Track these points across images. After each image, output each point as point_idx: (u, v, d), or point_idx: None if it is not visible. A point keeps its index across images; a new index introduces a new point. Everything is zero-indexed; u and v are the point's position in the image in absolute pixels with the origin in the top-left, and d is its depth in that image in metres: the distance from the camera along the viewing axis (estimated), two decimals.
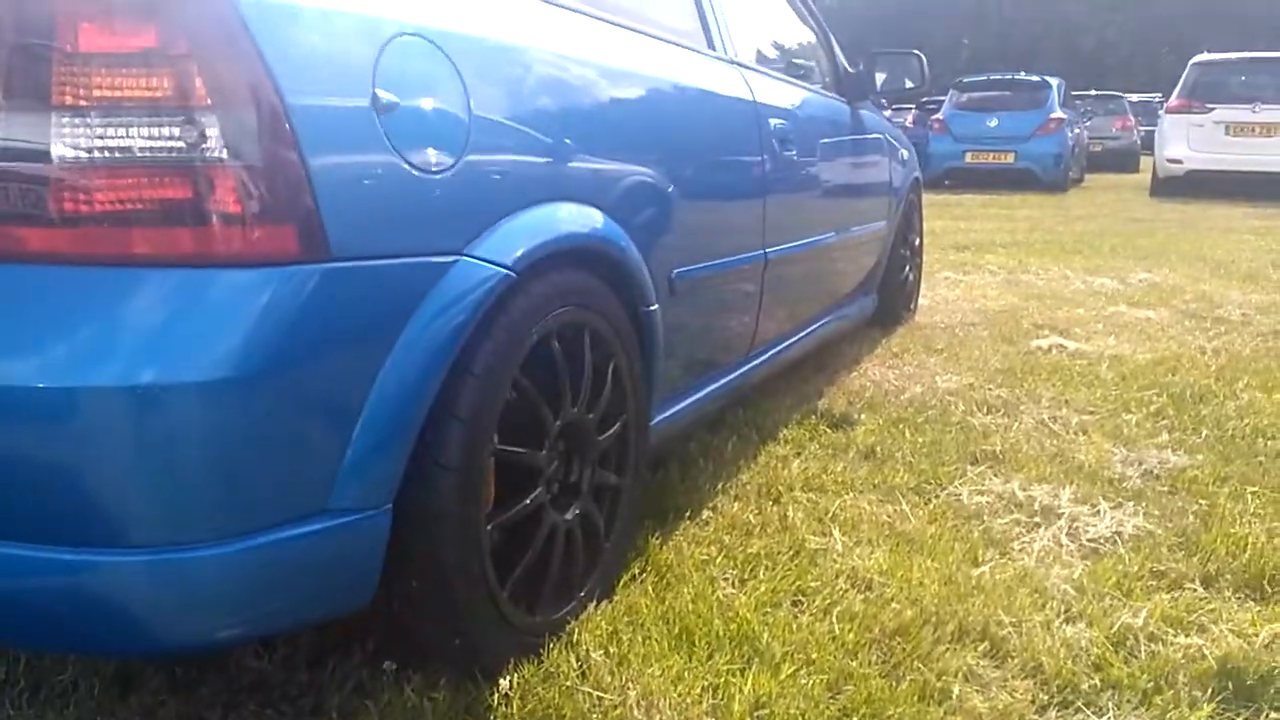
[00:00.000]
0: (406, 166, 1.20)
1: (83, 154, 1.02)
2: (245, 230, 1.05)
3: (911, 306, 4.17)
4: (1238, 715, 1.38)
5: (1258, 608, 1.68)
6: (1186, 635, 1.57)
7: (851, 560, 1.81)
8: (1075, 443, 2.51)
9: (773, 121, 2.35)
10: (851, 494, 2.16)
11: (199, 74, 1.02)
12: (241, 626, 1.16)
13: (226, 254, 1.05)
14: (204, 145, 1.03)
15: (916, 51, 3.19)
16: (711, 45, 2.25)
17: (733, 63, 2.30)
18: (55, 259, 1.04)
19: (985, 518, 2.03)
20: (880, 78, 3.34)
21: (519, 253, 1.36)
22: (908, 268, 4.04)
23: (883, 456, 2.38)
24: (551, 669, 1.44)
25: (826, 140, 2.88)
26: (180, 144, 1.03)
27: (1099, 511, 2.05)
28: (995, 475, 2.27)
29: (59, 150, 1.02)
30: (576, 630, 1.53)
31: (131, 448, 1.02)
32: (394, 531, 1.25)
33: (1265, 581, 1.76)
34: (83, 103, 1.01)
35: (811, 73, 3.17)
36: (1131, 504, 2.09)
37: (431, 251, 1.24)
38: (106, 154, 1.02)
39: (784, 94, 2.59)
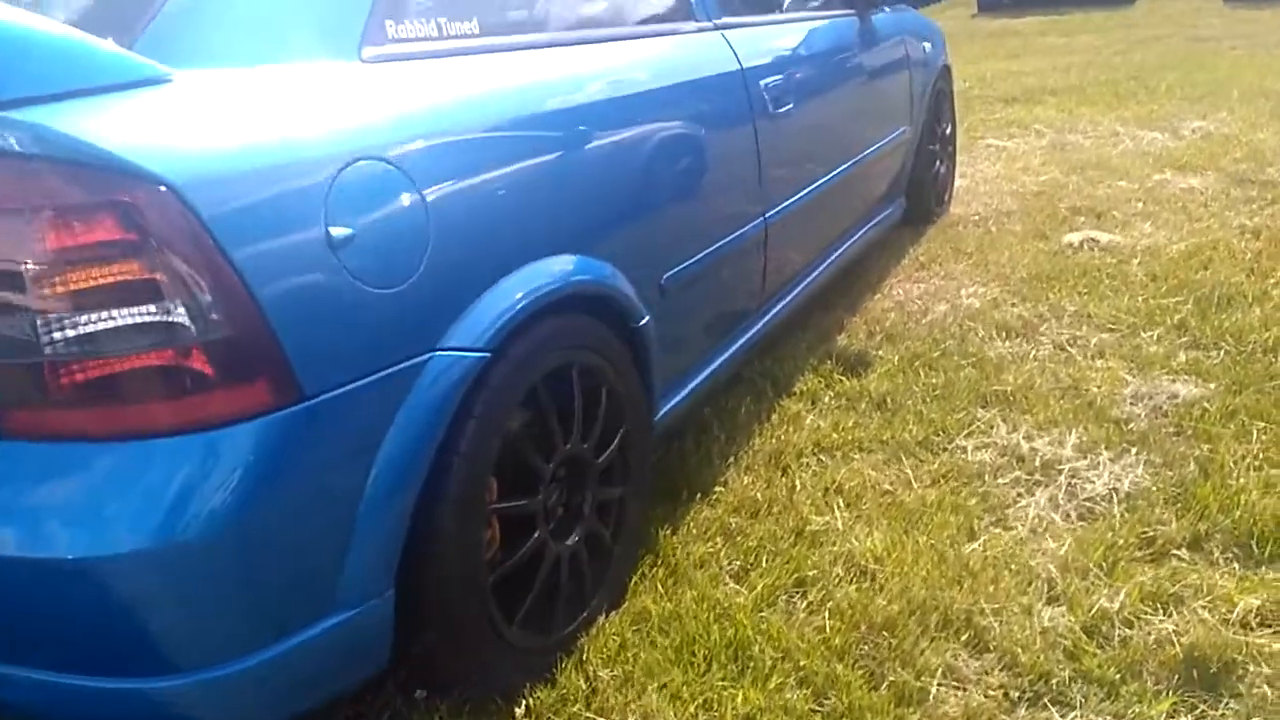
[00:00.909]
0: (368, 289, 1.27)
1: (65, 342, 1.12)
2: (217, 394, 1.15)
3: (945, 199, 4.11)
4: (1198, 706, 1.48)
5: (1241, 572, 1.75)
6: (1163, 615, 1.65)
7: (849, 542, 1.91)
8: (1090, 371, 2.53)
9: (764, 81, 2.32)
10: (859, 455, 2.24)
11: (155, 262, 1.10)
12: (274, 713, 1.33)
13: (206, 418, 1.15)
14: (167, 325, 1.12)
15: None
16: (692, 14, 2.21)
17: (716, 27, 2.26)
18: (64, 436, 1.15)
19: (986, 478, 2.10)
20: None
21: (492, 331, 1.43)
22: (938, 162, 3.96)
23: (894, 406, 2.44)
24: (563, 691, 1.59)
25: (832, 72, 2.82)
26: (145, 326, 1.11)
27: (1099, 464, 2.10)
28: (1003, 421, 2.32)
29: (44, 339, 1.12)
30: (586, 646, 1.67)
31: (173, 594, 1.16)
32: (402, 600, 1.39)
33: (1254, 541, 1.81)
34: (51, 294, 1.10)
35: None
36: (1134, 451, 2.14)
37: (402, 359, 1.33)
38: (82, 342, 1.12)
39: (777, 41, 2.54)
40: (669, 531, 1.99)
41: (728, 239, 2.17)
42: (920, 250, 3.63)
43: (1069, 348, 2.69)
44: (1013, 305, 3.01)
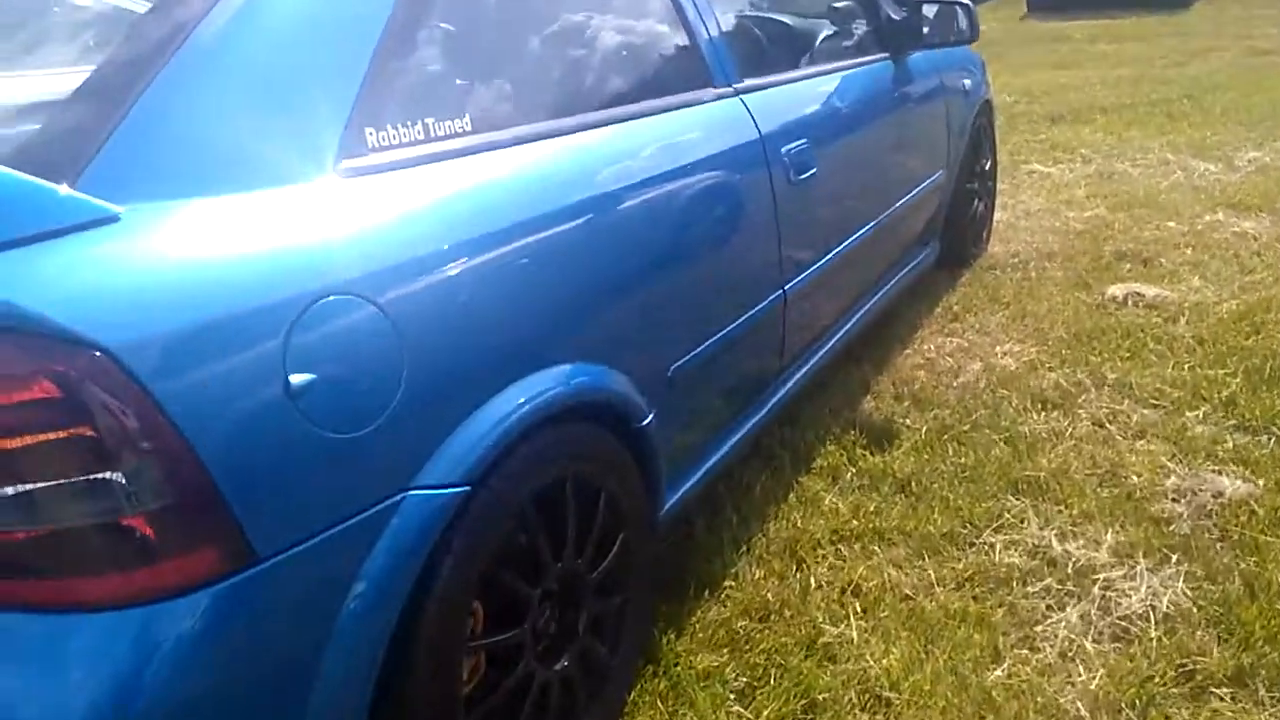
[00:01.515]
0: (331, 435, 1.17)
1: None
2: (160, 563, 1.05)
3: (984, 238, 3.94)
4: None
5: None
6: None
7: (865, 660, 1.79)
8: (1130, 455, 2.38)
9: (786, 148, 2.19)
10: (880, 548, 2.11)
11: (93, 428, 1.01)
12: None
13: (147, 589, 1.05)
14: (106, 492, 1.02)
15: (963, 1, 2.88)
16: (710, 80, 2.08)
17: (736, 92, 2.13)
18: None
19: (1014, 585, 1.97)
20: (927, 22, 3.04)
21: (471, 462, 1.33)
22: (976, 201, 3.79)
23: (919, 490, 2.31)
24: None
25: (861, 125, 2.68)
26: (81, 492, 1.02)
27: (1136, 574, 1.96)
28: (1035, 514, 2.18)
29: None
30: None
31: None
32: None
33: None
34: None
35: (848, 35, 2.93)
36: (1174, 559, 1.99)
37: (370, 505, 1.23)
38: (15, 508, 1.03)
39: (802, 100, 2.41)
40: (673, 635, 1.88)
41: (742, 318, 2.05)
42: (954, 298, 3.48)
43: (1108, 424, 2.53)
44: (1050, 370, 2.86)
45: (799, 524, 2.21)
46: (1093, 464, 2.36)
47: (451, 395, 1.32)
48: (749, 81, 2.21)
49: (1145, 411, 2.58)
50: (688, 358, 1.86)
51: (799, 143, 2.25)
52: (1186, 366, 2.79)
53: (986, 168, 3.89)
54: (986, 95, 3.78)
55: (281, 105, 1.27)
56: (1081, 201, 4.55)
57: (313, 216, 1.23)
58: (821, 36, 2.87)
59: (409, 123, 1.41)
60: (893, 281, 3.09)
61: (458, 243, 1.35)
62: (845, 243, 2.56)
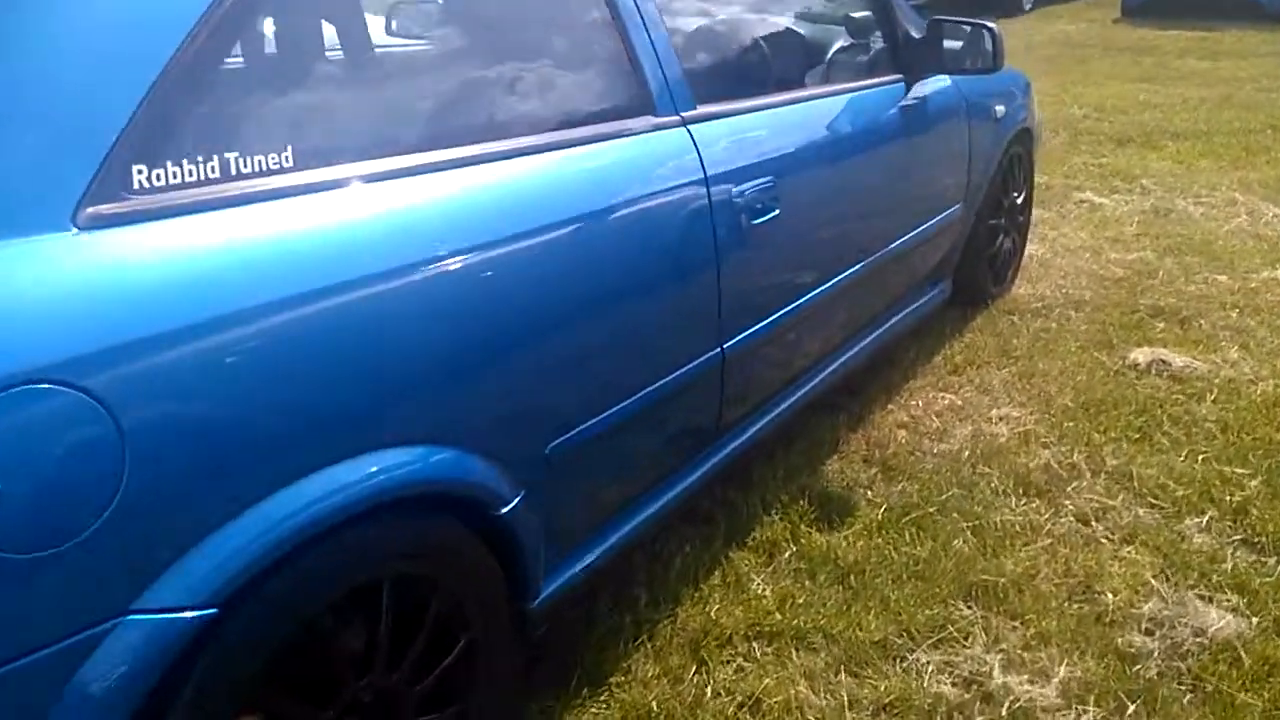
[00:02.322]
0: (15, 557, 0.96)
1: None
2: None
3: (1008, 276, 3.60)
4: None
5: None
6: None
7: None
8: (1110, 564, 2.08)
9: (739, 188, 1.92)
10: (798, 654, 1.86)
11: None
12: None
13: None
14: None
15: (989, 25, 2.55)
16: (652, 107, 1.82)
17: (683, 122, 1.86)
18: None
19: None
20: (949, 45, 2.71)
21: (222, 581, 1.11)
22: (1001, 237, 3.46)
23: (860, 584, 2.04)
24: None
25: (853, 156, 2.39)
26: None
27: None
28: (984, 631, 1.91)
29: None
30: None
31: None
32: None
33: None
34: None
35: (858, 51, 2.64)
36: (1132, 709, 1.70)
37: (71, 632, 1.01)
38: None
39: (777, 129, 2.12)
40: None
41: (657, 384, 1.80)
42: (960, 345, 3.16)
43: (1094, 522, 2.23)
44: (1045, 445, 2.55)
45: (715, 612, 1.97)
46: (1065, 571, 2.07)
47: (195, 499, 1.10)
48: (705, 109, 1.94)
49: (1140, 511, 2.27)
50: (575, 432, 1.62)
51: (759, 181, 1.98)
52: (1200, 458, 2.46)
53: (1019, 201, 3.55)
54: (1026, 122, 3.43)
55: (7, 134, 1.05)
56: (1128, 241, 4.16)
57: (17, 280, 1.01)
58: (825, 53, 2.58)
59: (203, 158, 1.18)
60: (885, 326, 2.79)
61: (229, 308, 1.12)
62: (817, 291, 2.28)
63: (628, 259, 1.68)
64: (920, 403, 2.81)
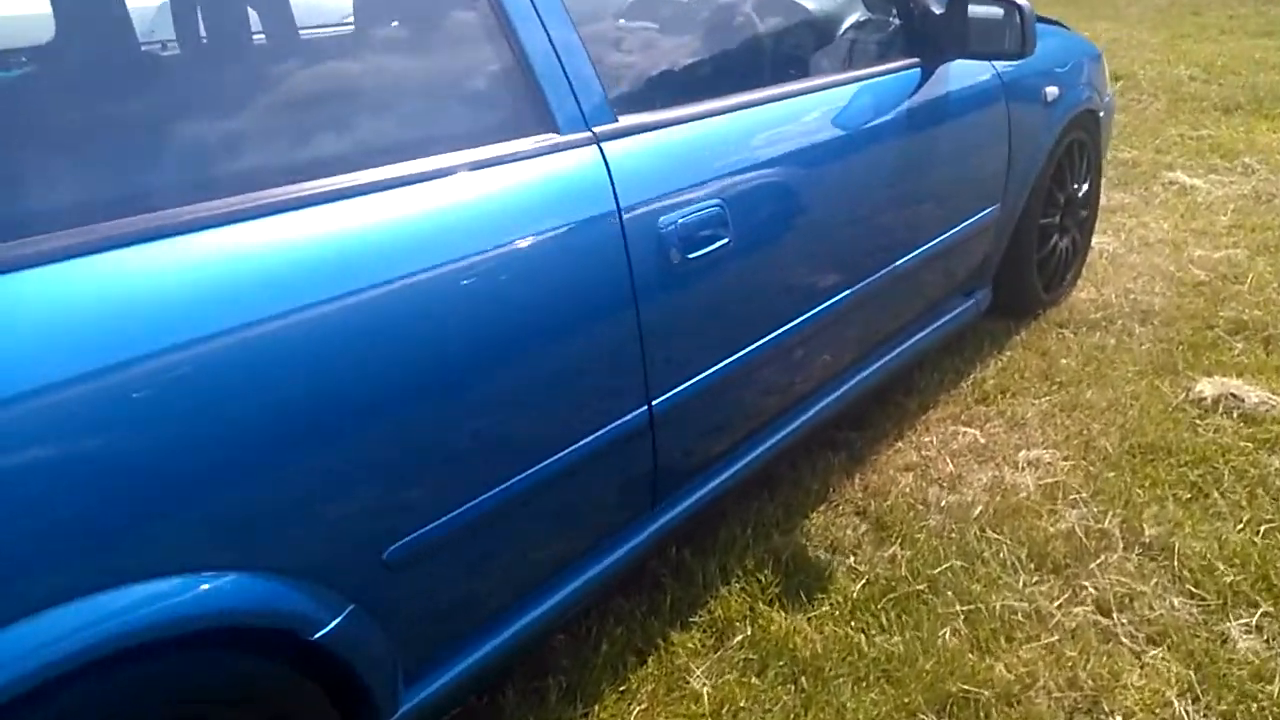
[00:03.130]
0: None
1: None
2: None
3: (1066, 279, 3.16)
4: None
5: None
6: None
7: None
8: (1128, 673, 1.70)
9: (667, 217, 1.58)
10: None
11: None
12: None
13: None
14: None
15: (1020, 2, 2.11)
16: (550, 122, 1.49)
17: (595, 139, 1.53)
18: None
19: None
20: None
21: None
22: (1055, 237, 3.01)
23: (815, 686, 1.71)
24: None
25: (844, 158, 2.00)
26: None
27: None
28: None
29: None
30: None
31: None
32: None
33: None
34: None
35: (867, 30, 2.24)
36: None
37: None
38: None
39: (732, 137, 1.76)
40: None
41: (552, 460, 1.50)
42: (996, 365, 2.76)
43: (1116, 614, 1.85)
44: (1073, 504, 2.16)
45: (638, 716, 1.67)
46: (1069, 681, 1.70)
47: None
48: (630, 120, 1.60)
49: (1176, 601, 1.87)
50: (427, 529, 1.34)
51: (701, 206, 1.64)
52: (1263, 529, 2.04)
53: (1079, 194, 3.08)
54: (1089, 103, 2.96)
55: None
56: (1218, 235, 3.64)
57: None
58: (812, 35, 2.19)
59: None
60: (896, 351, 2.42)
61: None
62: (790, 325, 1.93)
63: (495, 316, 1.36)
64: (935, 439, 2.43)
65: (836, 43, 2.19)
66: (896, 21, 2.29)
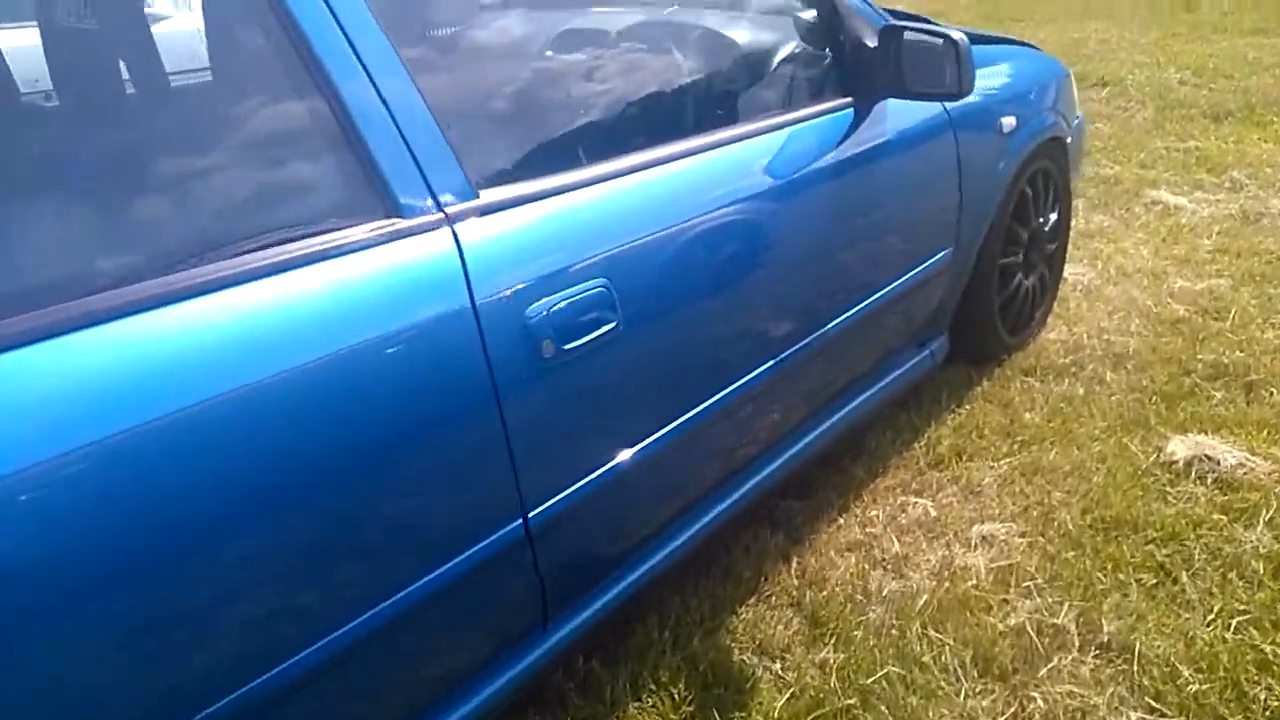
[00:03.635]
0: None
1: None
2: None
3: (1034, 319, 2.94)
4: None
5: None
6: None
7: None
8: None
9: (538, 304, 1.38)
10: None
11: None
12: None
13: None
14: None
15: (956, 35, 1.89)
16: (391, 205, 1.28)
17: (448, 219, 1.32)
18: None
19: None
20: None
21: None
22: (1019, 276, 2.80)
23: None
24: None
25: (763, 216, 1.79)
26: None
27: None
28: None
29: None
30: None
31: None
32: None
33: None
34: None
35: (791, 66, 2.03)
36: None
37: None
38: None
39: (615, 211, 1.55)
40: None
41: (400, 595, 1.29)
42: (953, 421, 2.55)
43: None
44: (1027, 592, 1.95)
45: None
46: None
47: None
48: (494, 195, 1.40)
49: (1134, 717, 1.66)
50: (275, 674, 1.14)
51: (581, 289, 1.43)
52: (1235, 623, 1.83)
53: (1045, 228, 2.87)
54: (1054, 130, 2.75)
55: None
56: (1200, 262, 3.42)
57: None
58: (734, 75, 1.97)
59: None
60: (837, 416, 2.21)
61: None
62: (704, 404, 1.73)
63: (317, 433, 1.16)
64: (882, 512, 2.23)
65: (756, 83, 1.98)
66: (826, 55, 2.07)
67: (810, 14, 2.08)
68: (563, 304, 1.41)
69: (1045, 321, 3.01)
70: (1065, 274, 3.19)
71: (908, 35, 1.97)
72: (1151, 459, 2.33)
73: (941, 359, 2.58)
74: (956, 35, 1.90)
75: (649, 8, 2.25)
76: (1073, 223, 3.62)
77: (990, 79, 2.51)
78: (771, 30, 2.08)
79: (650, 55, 1.91)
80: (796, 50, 2.06)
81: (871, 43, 2.05)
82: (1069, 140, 2.88)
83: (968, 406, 2.61)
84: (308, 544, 1.19)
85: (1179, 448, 2.33)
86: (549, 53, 1.92)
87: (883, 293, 2.15)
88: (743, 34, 2.05)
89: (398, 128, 1.29)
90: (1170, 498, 2.19)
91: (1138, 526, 2.10)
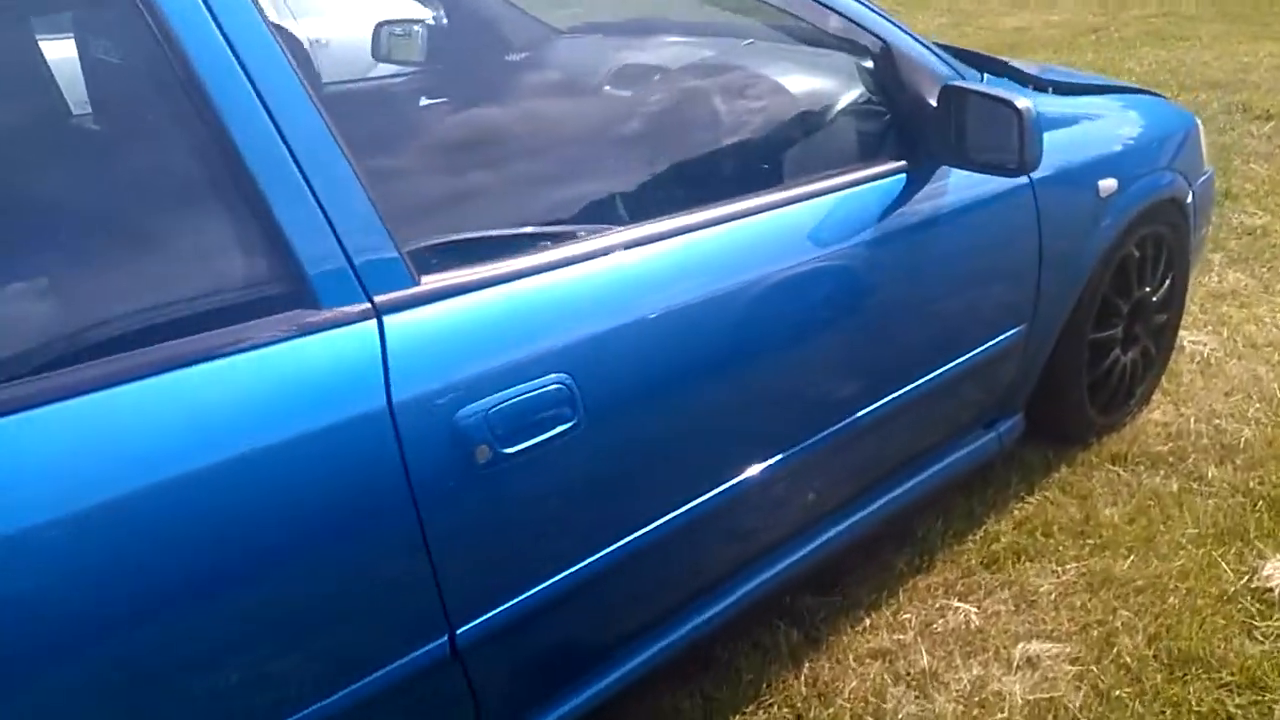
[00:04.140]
0: None
1: None
2: None
3: (1128, 400, 2.62)
4: None
5: None
6: None
7: None
8: None
9: (473, 405, 1.25)
10: None
11: None
12: None
13: None
14: None
15: (1017, 105, 1.64)
16: (310, 296, 1.18)
17: (374, 312, 1.21)
18: None
19: None
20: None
21: None
22: (1116, 352, 2.50)
23: None
24: None
25: (771, 299, 1.61)
26: None
27: None
28: None
29: None
30: None
31: None
32: None
33: None
34: None
35: (823, 129, 1.84)
36: None
37: None
38: None
39: (584, 295, 1.41)
40: None
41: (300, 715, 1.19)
42: (1019, 512, 2.29)
43: None
44: None
45: None
46: None
47: None
48: (438, 281, 1.28)
49: None
50: None
51: (533, 384, 1.30)
52: None
53: (1152, 299, 2.55)
54: (1171, 190, 2.44)
55: None
56: None
57: None
58: (759, 133, 1.79)
59: None
60: (873, 507, 2.00)
61: None
62: (689, 504, 1.57)
63: (213, 540, 1.08)
64: (917, 616, 2.01)
65: (773, 146, 1.79)
66: (873, 112, 1.86)
67: (858, 60, 1.87)
68: (510, 403, 1.28)
69: (1148, 399, 2.69)
70: (1184, 342, 2.85)
71: (971, 98, 1.74)
72: (1242, 581, 2.02)
73: (1012, 440, 2.32)
74: (1022, 104, 1.66)
75: (641, 49, 2.07)
76: (1204, 280, 3.27)
77: (1088, 135, 2.25)
78: (794, 82, 1.88)
79: (642, 108, 1.75)
80: (852, 104, 1.87)
81: (932, 100, 1.83)
82: (1188, 201, 2.56)
83: (1039, 496, 2.34)
84: (207, 656, 1.11)
85: (1277, 571, 2.02)
86: (519, 106, 1.77)
87: (924, 380, 1.92)
88: (751, 86, 1.86)
89: (318, 201, 1.18)
90: (1257, 633, 1.89)
91: (1211, 666, 1.82)
